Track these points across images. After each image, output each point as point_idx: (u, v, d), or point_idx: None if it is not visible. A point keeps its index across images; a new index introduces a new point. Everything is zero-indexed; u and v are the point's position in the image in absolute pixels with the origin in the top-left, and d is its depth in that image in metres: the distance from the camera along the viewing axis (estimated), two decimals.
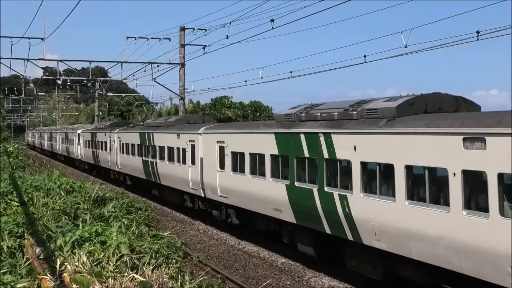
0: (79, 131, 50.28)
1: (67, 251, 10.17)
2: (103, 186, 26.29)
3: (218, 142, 20.53)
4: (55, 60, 39.09)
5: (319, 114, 15.22)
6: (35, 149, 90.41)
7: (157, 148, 27.78)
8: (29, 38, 33.78)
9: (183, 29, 35.61)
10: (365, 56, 23.29)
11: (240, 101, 67.49)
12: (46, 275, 8.78)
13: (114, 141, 36.35)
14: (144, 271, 9.09)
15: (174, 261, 11.10)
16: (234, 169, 19.41)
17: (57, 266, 9.13)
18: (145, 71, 43.34)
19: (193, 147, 23.01)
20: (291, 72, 29.33)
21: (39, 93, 77.78)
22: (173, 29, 77.97)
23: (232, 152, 19.52)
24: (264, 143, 17.30)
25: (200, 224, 23.76)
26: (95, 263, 9.38)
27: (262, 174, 17.44)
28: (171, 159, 25.84)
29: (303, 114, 15.92)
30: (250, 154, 18.26)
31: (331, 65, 27.83)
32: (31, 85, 56.16)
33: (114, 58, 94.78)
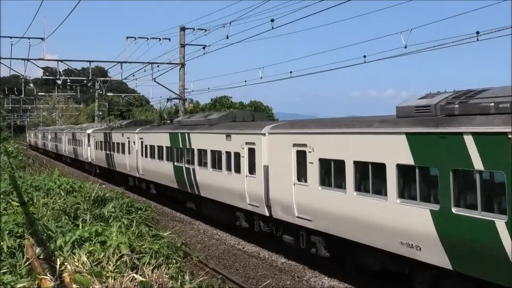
0: (89, 131, 45.44)
1: (67, 251, 10.18)
2: (103, 186, 26.27)
3: (295, 145, 15.80)
4: (55, 60, 39.07)
5: (491, 104, 10.47)
6: (38, 150, 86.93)
7: (196, 152, 22.80)
8: (29, 38, 33.77)
9: (183, 29, 35.61)
10: (365, 57, 23.32)
11: (240, 101, 67.58)
12: (46, 275, 8.79)
13: (134, 142, 31.65)
14: (144, 271, 9.10)
15: (174, 261, 11.10)
16: (324, 182, 14.62)
17: (57, 266, 9.14)
18: (145, 71, 43.42)
19: (252, 151, 18.25)
20: (291, 72, 29.35)
21: (39, 93, 77.84)
22: (173, 29, 78.19)
23: (321, 160, 14.65)
24: (385, 148, 12.42)
25: (200, 224, 23.76)
26: (95, 263, 9.39)
27: (379, 191, 12.59)
28: (217, 165, 20.86)
29: (457, 106, 11.23)
30: (356, 163, 13.25)
31: (331, 65, 27.83)
32: (31, 85, 56.20)
33: (114, 58, 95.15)
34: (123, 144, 34.22)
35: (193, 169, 23.00)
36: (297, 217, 15.67)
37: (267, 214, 17.48)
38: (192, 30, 34.86)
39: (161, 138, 27.13)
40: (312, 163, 15.00)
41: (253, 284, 14.94)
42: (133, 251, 10.28)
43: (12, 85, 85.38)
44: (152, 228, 15.59)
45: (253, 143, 18.12)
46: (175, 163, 25.10)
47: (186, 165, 23.81)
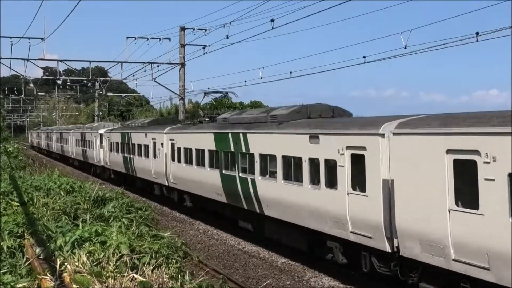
0: (101, 131, 40.55)
1: (67, 251, 10.20)
2: (103, 186, 26.28)
3: (452, 151, 10.76)
4: (55, 60, 39.29)
5: None
6: (41, 152, 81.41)
7: (257, 158, 17.64)
8: (29, 38, 33.91)
9: (183, 29, 35.68)
10: (364, 57, 23.42)
11: (240, 101, 67.54)
12: (46, 275, 8.80)
13: (162, 144, 26.99)
14: (144, 271, 9.11)
15: (174, 261, 11.13)
16: None
17: (57, 266, 9.15)
18: (145, 71, 43.43)
19: (358, 159, 13.15)
20: (291, 72, 29.42)
21: (39, 93, 77.99)
22: (173, 29, 78.29)
23: None
24: None
25: (200, 224, 23.76)
26: (95, 263, 9.41)
27: None
28: (293, 177, 15.85)
29: None
30: None
31: (331, 65, 28.05)
32: (31, 85, 56.37)
33: (114, 58, 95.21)
34: (146, 146, 29.41)
35: (253, 180, 17.85)
36: (456, 260, 10.67)
37: (388, 249, 12.32)
38: (192, 30, 34.96)
39: (202, 140, 22.08)
40: (492, 180, 9.99)
41: (253, 284, 14.94)
42: (133, 251, 10.30)
43: (12, 85, 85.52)
44: (152, 228, 15.62)
45: (362, 148, 12.97)
46: (224, 171, 20.05)
47: (241, 175, 18.72)
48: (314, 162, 14.79)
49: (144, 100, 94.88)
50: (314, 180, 14.79)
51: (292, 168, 15.88)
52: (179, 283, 9.17)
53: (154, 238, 12.44)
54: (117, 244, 10.12)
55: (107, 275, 8.73)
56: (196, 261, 14.53)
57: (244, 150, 18.52)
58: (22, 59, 35.57)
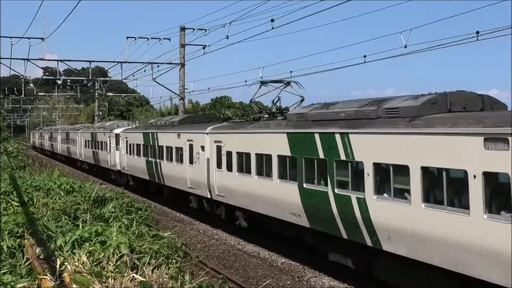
0: (117, 131, 36.15)
1: (67, 251, 10.19)
2: (103, 186, 26.27)
3: None
4: (55, 60, 39.30)
5: None
6: (44, 153, 77.46)
7: (370, 169, 12.75)
8: (29, 38, 33.96)
9: (183, 29, 35.70)
10: (365, 56, 23.44)
11: (240, 101, 67.49)
12: (46, 275, 8.79)
13: (202, 147, 22.33)
14: (144, 271, 9.10)
15: (174, 261, 11.11)
16: None
17: (57, 266, 9.14)
18: (145, 71, 43.49)
19: None
20: (291, 72, 29.38)
21: (39, 93, 77.98)
22: (173, 29, 78.33)
23: None
24: None
25: (200, 224, 23.76)
26: (95, 263, 9.39)
27: None
28: (445, 199, 10.80)
29: None
30: None
31: (331, 65, 28.06)
32: (31, 85, 56.39)
33: (114, 58, 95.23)
34: (179, 149, 24.98)
35: (361, 200, 13.00)
36: None
37: None
38: (192, 30, 35.00)
39: (268, 142, 17.42)
40: None
41: (253, 284, 14.95)
42: (133, 251, 10.29)
43: (12, 85, 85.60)
44: (152, 228, 15.60)
45: None
46: (305, 185, 15.33)
47: (337, 191, 13.89)
48: (495, 179, 9.93)
49: (144, 100, 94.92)
50: (493, 207, 9.93)
51: (443, 186, 10.85)
52: (179, 283, 9.17)
53: (154, 238, 12.43)
54: (117, 244, 10.11)
55: (107, 275, 8.72)
56: (196, 261, 14.52)
57: (343, 157, 13.65)
58: (22, 59, 35.62)
